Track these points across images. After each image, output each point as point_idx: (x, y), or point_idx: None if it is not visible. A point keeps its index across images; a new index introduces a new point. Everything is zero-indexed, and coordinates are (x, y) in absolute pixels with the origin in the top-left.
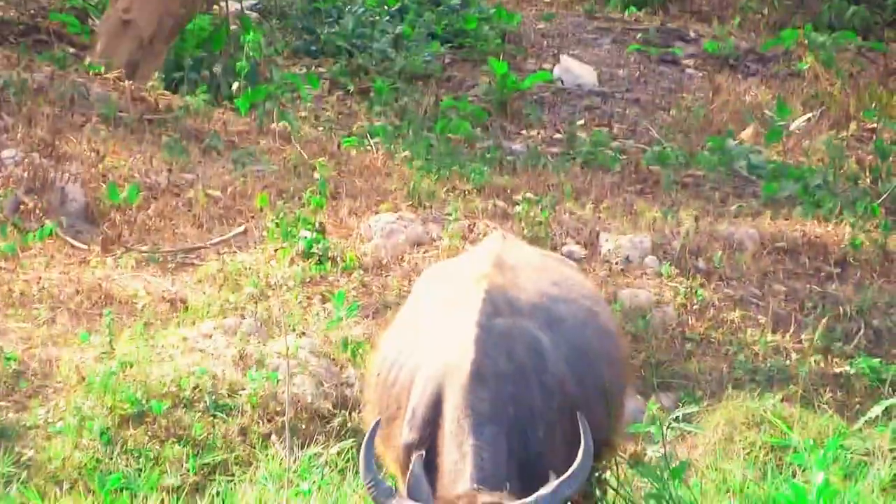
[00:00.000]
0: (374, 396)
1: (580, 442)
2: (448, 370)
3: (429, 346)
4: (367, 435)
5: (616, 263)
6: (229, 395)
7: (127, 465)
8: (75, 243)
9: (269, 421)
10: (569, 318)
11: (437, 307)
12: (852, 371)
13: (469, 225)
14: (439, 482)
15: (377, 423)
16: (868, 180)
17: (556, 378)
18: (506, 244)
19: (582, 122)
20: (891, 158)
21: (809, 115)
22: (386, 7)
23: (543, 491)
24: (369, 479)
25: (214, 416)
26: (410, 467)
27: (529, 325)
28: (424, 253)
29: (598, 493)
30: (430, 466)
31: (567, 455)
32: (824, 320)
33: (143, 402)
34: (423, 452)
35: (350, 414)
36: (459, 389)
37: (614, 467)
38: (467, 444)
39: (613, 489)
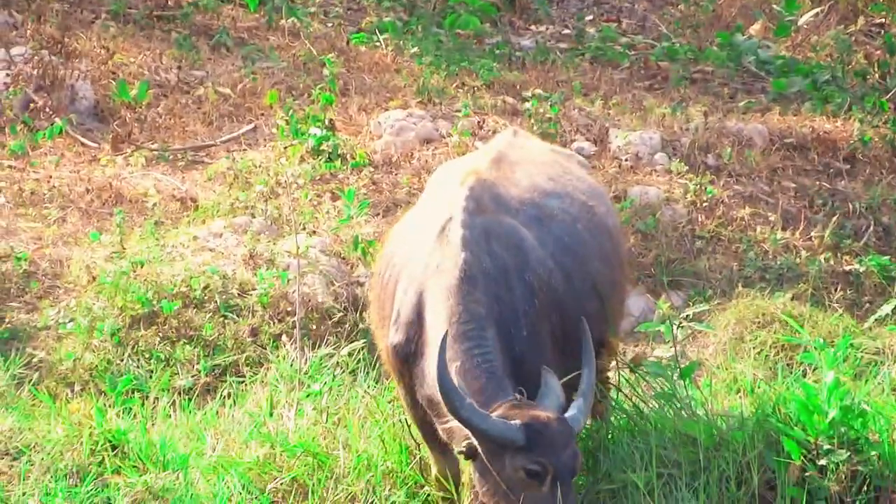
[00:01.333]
0: (374, 296)
1: (571, 342)
2: (430, 271)
3: (413, 245)
4: (439, 348)
5: (626, 160)
6: (240, 295)
7: (138, 367)
8: (85, 141)
9: (279, 321)
10: (560, 213)
11: (428, 207)
12: (862, 269)
13: (479, 121)
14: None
15: (445, 336)
16: (877, 76)
17: (540, 275)
18: (514, 140)
19: (591, 17)
20: None
21: (818, 9)
22: None
23: (582, 401)
24: (445, 390)
25: (225, 317)
26: (438, 360)
27: (511, 222)
28: (434, 150)
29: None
30: (416, 370)
31: (552, 353)
32: (834, 217)
33: (154, 302)
34: (458, 365)
35: (361, 314)
36: (449, 291)
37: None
38: (475, 351)
39: (619, 390)
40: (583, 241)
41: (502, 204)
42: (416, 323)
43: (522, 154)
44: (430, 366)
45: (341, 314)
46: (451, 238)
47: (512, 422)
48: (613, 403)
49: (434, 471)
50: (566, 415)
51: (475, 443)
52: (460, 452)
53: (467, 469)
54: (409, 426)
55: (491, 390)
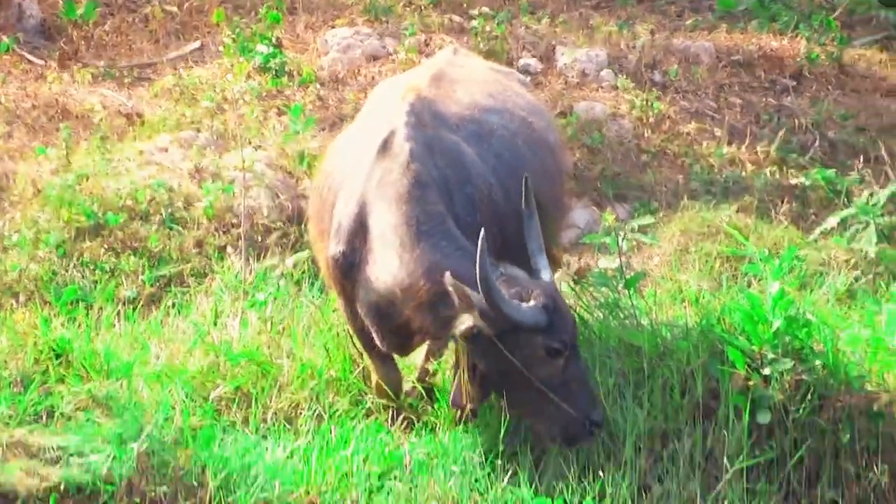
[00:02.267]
0: (313, 210)
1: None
2: (373, 183)
3: (353, 159)
4: (479, 246)
5: (572, 77)
6: (185, 208)
7: (83, 278)
8: (32, 59)
9: (225, 233)
10: (499, 129)
11: (367, 121)
12: (808, 182)
13: (425, 39)
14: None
15: (484, 238)
16: None
17: (481, 189)
18: (455, 58)
19: None
20: None
21: None
22: None
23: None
24: (486, 283)
25: (170, 229)
26: (479, 253)
27: (453, 137)
28: (381, 67)
29: None
30: (360, 278)
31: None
32: (780, 132)
33: (99, 214)
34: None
35: (306, 226)
36: (400, 200)
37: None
38: (443, 243)
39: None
40: (522, 156)
41: (442, 120)
42: (360, 233)
43: (462, 72)
44: (377, 272)
45: (286, 227)
46: (397, 150)
47: (534, 305)
48: None
49: (374, 379)
50: (544, 278)
51: (476, 326)
52: (461, 334)
53: (456, 350)
54: (351, 336)
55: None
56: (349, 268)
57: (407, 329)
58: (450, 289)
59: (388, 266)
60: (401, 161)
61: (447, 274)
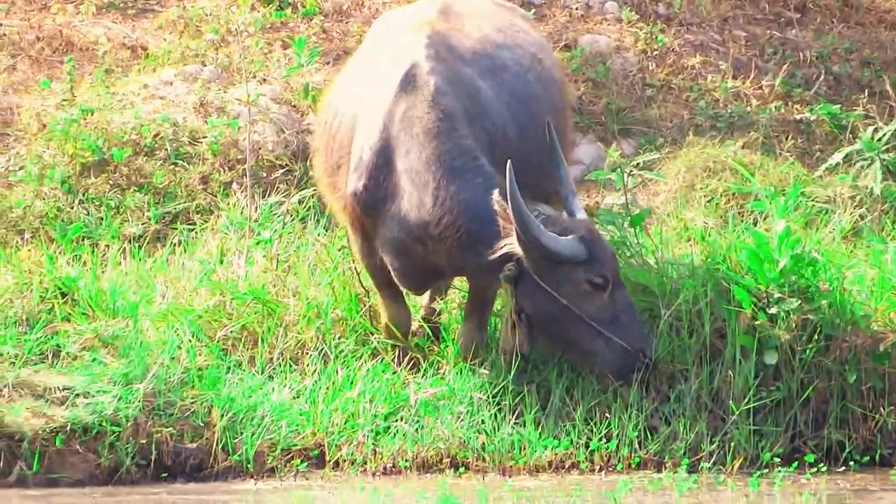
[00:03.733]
0: (321, 143)
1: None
2: (397, 116)
3: (371, 91)
4: (509, 181)
5: (576, 9)
6: (190, 143)
7: (88, 214)
8: None
9: (230, 169)
10: (512, 64)
11: (381, 54)
12: (813, 117)
13: None
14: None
15: (511, 169)
16: None
17: (496, 125)
18: None
19: None
20: None
21: None
22: None
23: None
24: (521, 218)
25: (175, 164)
26: (508, 183)
27: (468, 72)
28: None
29: None
30: (385, 213)
31: None
32: (784, 66)
33: (104, 150)
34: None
35: (311, 162)
36: (429, 135)
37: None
38: (478, 180)
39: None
40: (534, 92)
41: (457, 54)
42: (385, 168)
43: (468, 6)
44: (407, 208)
45: (291, 162)
46: (421, 84)
47: (572, 238)
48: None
49: (384, 319)
50: (580, 217)
51: (520, 266)
52: (505, 277)
53: (504, 295)
54: (358, 274)
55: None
56: (371, 204)
57: (430, 266)
58: (496, 207)
59: (420, 203)
60: (426, 95)
61: (495, 192)
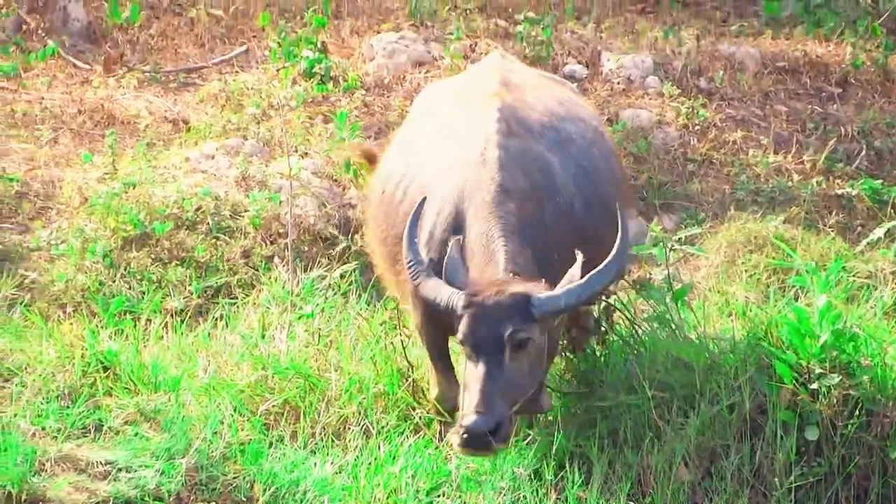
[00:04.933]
0: (379, 213)
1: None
2: (468, 192)
3: (441, 164)
4: (412, 214)
5: (618, 83)
6: (232, 217)
7: (130, 288)
8: (77, 63)
9: (271, 243)
10: (577, 138)
11: (446, 125)
12: (854, 192)
13: (471, 44)
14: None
15: (422, 202)
16: None
17: (565, 198)
18: (505, 63)
19: None
20: None
21: None
22: None
23: (576, 283)
24: (410, 258)
25: (217, 238)
26: (449, 251)
27: (540, 147)
28: (426, 73)
29: (603, 319)
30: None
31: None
32: (827, 142)
33: (146, 223)
34: (461, 238)
35: (353, 237)
36: (484, 205)
37: (619, 292)
38: (498, 244)
39: (619, 310)
40: (597, 166)
41: (527, 127)
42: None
43: (523, 77)
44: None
45: (333, 236)
46: (489, 159)
47: (458, 291)
48: (607, 326)
49: (434, 394)
50: (539, 294)
51: None
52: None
53: None
54: (404, 348)
55: (491, 267)
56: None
57: None
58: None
59: (472, 275)
60: (491, 169)
61: (410, 240)
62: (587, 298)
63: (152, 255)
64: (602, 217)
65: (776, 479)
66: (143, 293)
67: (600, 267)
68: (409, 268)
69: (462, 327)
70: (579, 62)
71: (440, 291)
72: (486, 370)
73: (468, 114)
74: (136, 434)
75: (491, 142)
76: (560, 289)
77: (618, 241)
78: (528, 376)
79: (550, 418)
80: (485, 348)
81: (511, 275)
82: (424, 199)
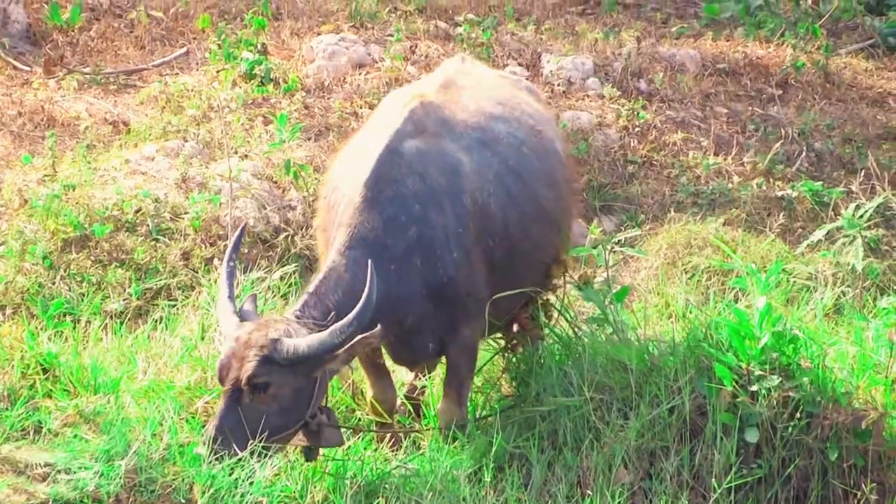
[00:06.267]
0: (321, 219)
1: (515, 265)
2: (352, 193)
3: (352, 169)
4: (232, 241)
5: (558, 85)
6: (172, 219)
7: (70, 290)
8: (18, 65)
9: (211, 245)
10: (505, 137)
11: (371, 131)
12: (794, 194)
13: (411, 46)
14: None
15: (242, 228)
16: (809, 1)
17: (475, 199)
18: (463, 66)
19: None
20: None
21: None
22: None
23: (319, 334)
24: (221, 285)
25: (157, 240)
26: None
27: (449, 146)
28: (367, 74)
29: (541, 316)
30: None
31: (486, 275)
32: (766, 143)
33: (86, 225)
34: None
35: (293, 238)
36: (350, 212)
37: (558, 291)
38: (325, 265)
39: (558, 311)
40: (529, 165)
41: (447, 127)
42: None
43: (471, 80)
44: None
45: (273, 238)
46: (371, 161)
47: (236, 325)
48: (546, 328)
49: (369, 395)
50: (284, 341)
51: None
52: None
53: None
54: None
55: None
56: None
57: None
58: None
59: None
60: (366, 176)
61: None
62: (328, 349)
63: (92, 257)
64: (531, 215)
65: (715, 481)
66: (83, 295)
67: (344, 320)
68: (218, 290)
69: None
70: (520, 64)
71: (224, 319)
72: (223, 407)
73: (387, 118)
74: (75, 436)
75: (382, 143)
76: (305, 338)
77: (363, 297)
78: (277, 416)
79: (490, 419)
80: (227, 386)
81: (296, 316)
82: (244, 226)
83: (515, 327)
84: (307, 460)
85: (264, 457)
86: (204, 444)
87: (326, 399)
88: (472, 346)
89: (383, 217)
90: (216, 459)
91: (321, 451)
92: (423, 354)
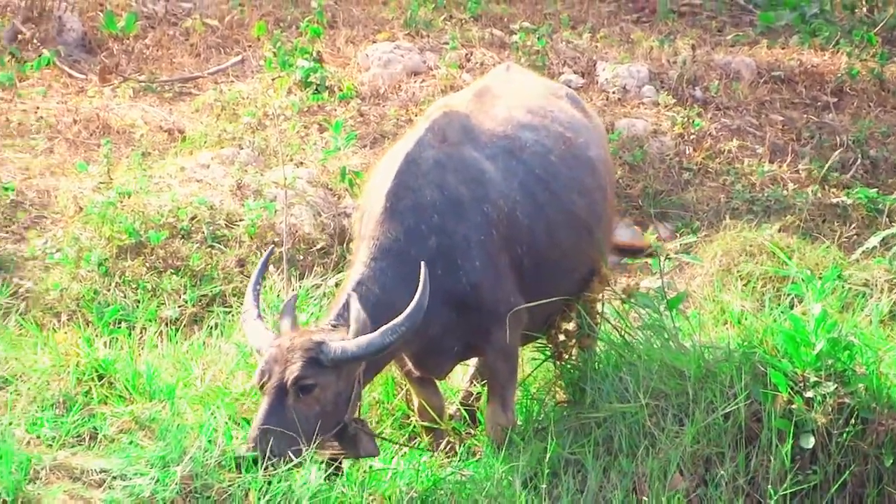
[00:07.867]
0: (355, 230)
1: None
2: (375, 204)
3: (379, 179)
4: (261, 260)
5: (613, 93)
6: (227, 226)
7: (125, 297)
8: (73, 73)
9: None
10: (532, 145)
11: (402, 140)
12: (849, 201)
13: (466, 54)
14: None
15: (269, 252)
16: (864, 9)
17: (500, 207)
18: (506, 74)
19: None
20: None
21: None
22: None
23: (369, 336)
24: (246, 301)
25: (212, 247)
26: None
27: (473, 154)
28: (421, 82)
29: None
30: None
31: (515, 283)
32: (822, 150)
33: (141, 232)
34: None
35: (347, 245)
36: (372, 223)
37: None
38: (352, 279)
39: (609, 322)
40: (557, 172)
41: (470, 136)
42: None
43: (508, 88)
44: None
45: (328, 245)
46: (391, 171)
47: (269, 334)
48: (601, 335)
49: (415, 404)
50: (331, 343)
51: None
52: None
53: None
54: None
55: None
56: None
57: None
58: None
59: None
60: (387, 186)
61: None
62: (377, 349)
63: (147, 264)
64: (560, 223)
65: (771, 487)
66: (138, 302)
67: (394, 321)
68: (243, 311)
69: (259, 365)
70: (575, 72)
71: (257, 335)
72: (266, 407)
73: (416, 128)
74: (130, 442)
75: (403, 153)
76: (354, 339)
77: (416, 297)
78: (317, 420)
79: (544, 427)
80: (269, 387)
81: (331, 326)
82: (271, 250)
83: (562, 336)
84: (331, 475)
85: (317, 462)
86: (248, 444)
87: (359, 411)
88: (508, 349)
89: (404, 227)
90: (260, 460)
91: (345, 463)
92: (446, 362)
